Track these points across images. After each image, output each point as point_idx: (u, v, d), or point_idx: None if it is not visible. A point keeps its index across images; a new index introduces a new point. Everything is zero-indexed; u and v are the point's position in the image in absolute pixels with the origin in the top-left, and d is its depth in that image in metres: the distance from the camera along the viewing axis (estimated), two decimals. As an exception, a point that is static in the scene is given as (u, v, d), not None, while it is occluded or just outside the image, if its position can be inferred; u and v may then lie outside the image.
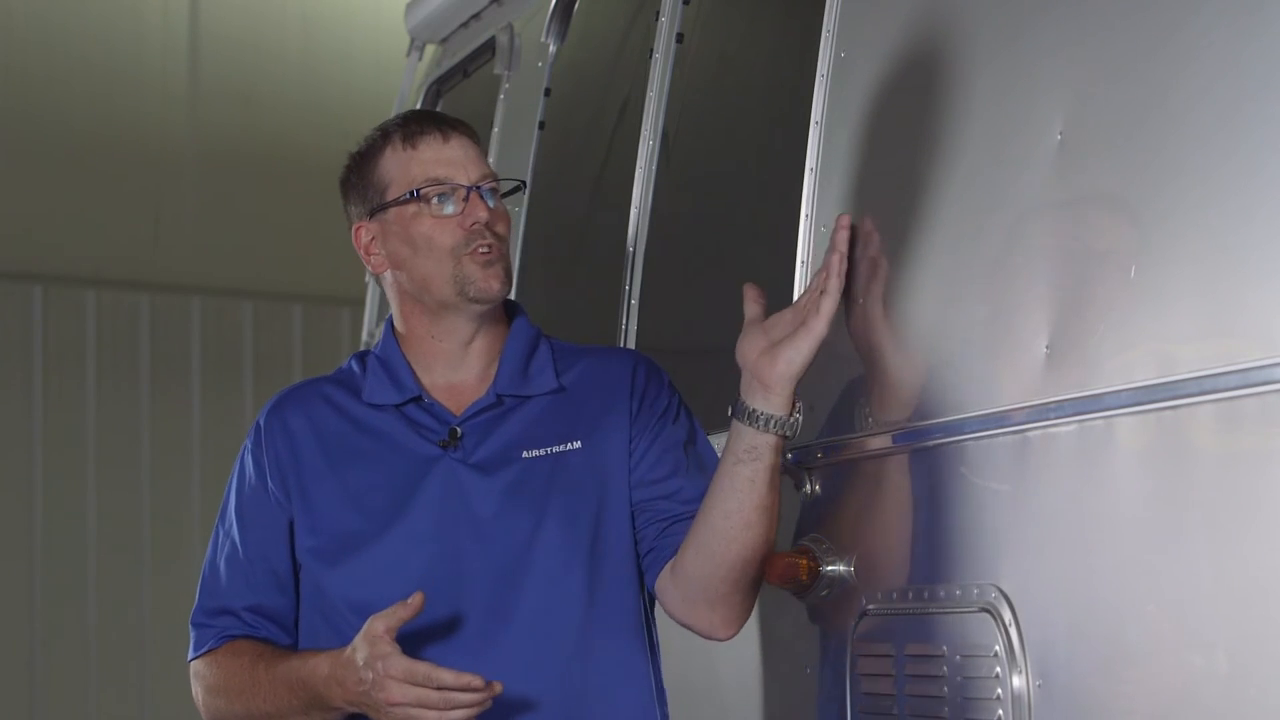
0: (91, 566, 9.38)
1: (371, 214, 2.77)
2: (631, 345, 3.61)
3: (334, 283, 9.40)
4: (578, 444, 2.72)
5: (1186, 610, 2.15)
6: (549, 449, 2.72)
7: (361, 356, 2.85)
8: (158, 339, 9.69)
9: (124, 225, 9.57)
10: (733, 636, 2.78)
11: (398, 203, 2.74)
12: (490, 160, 4.50)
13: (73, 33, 9.47)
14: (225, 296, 9.81)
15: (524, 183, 2.88)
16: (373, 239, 2.78)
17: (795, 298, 2.97)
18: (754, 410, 2.60)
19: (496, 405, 2.75)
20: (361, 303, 5.45)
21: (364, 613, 2.63)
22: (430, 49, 5.37)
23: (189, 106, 9.74)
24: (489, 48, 4.76)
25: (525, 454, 2.72)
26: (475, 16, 4.98)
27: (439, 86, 5.16)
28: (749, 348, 2.63)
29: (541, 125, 4.33)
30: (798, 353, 2.60)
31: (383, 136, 2.78)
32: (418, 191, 2.72)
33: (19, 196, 9.32)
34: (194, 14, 9.76)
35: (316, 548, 2.75)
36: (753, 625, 3.08)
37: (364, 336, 5.39)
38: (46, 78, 9.40)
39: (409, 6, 5.35)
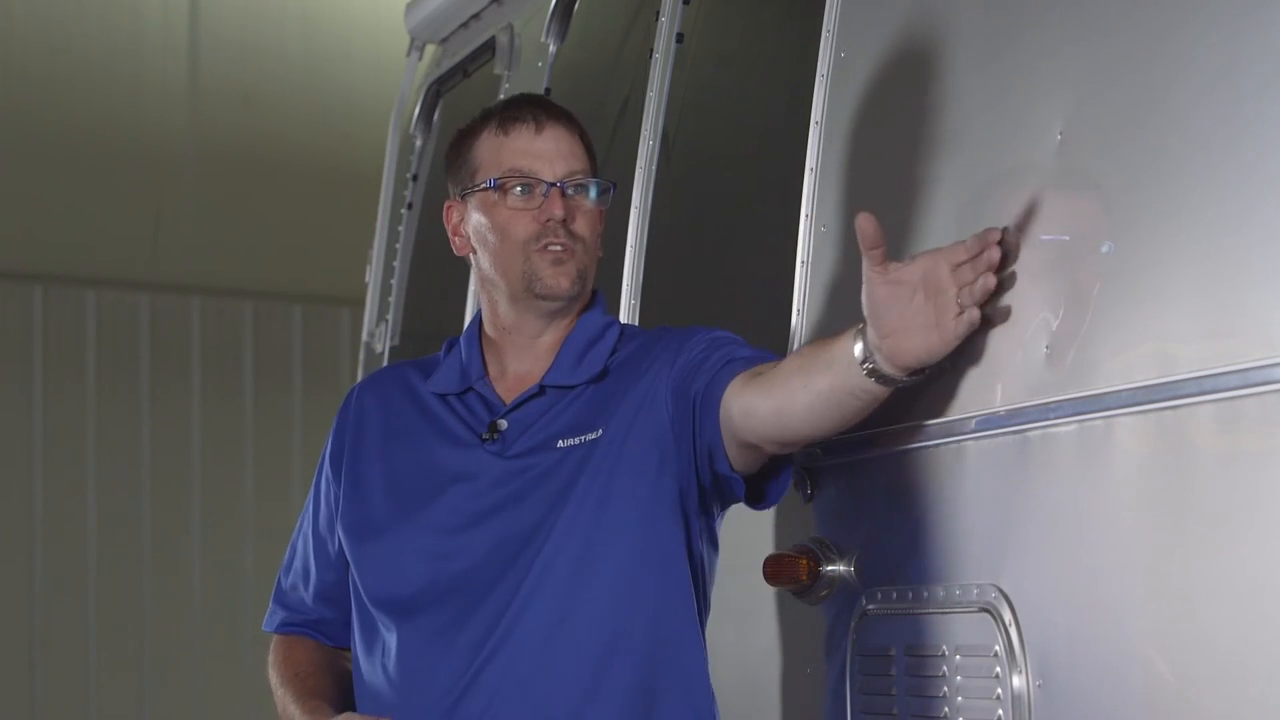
0: (91, 566, 9.38)
1: (462, 195, 2.78)
2: (631, 345, 3.60)
3: (334, 283, 9.41)
4: (600, 431, 2.67)
5: (1186, 610, 2.15)
6: (583, 438, 2.68)
7: (453, 342, 2.86)
8: (158, 339, 9.69)
9: (124, 225, 9.57)
10: None
11: (481, 188, 2.74)
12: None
13: (73, 33, 9.47)
14: (225, 296, 9.81)
15: (614, 184, 2.84)
16: (461, 220, 2.79)
17: (795, 301, 2.97)
18: (890, 375, 2.37)
19: (540, 395, 2.73)
20: (361, 303, 5.44)
21: (382, 603, 2.69)
22: (430, 49, 5.37)
23: (189, 106, 9.74)
24: (489, 48, 4.76)
25: (561, 443, 2.68)
26: (475, 16, 4.99)
27: (439, 86, 5.16)
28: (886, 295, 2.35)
29: (542, 125, 4.32)
30: (929, 354, 2.36)
31: (483, 119, 2.79)
32: (496, 181, 2.72)
33: (19, 196, 9.32)
34: (194, 14, 9.76)
35: (347, 527, 2.78)
36: (753, 625, 3.08)
37: (364, 337, 5.39)
38: (46, 78, 9.40)
39: (409, 6, 5.35)
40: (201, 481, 9.56)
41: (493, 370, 2.78)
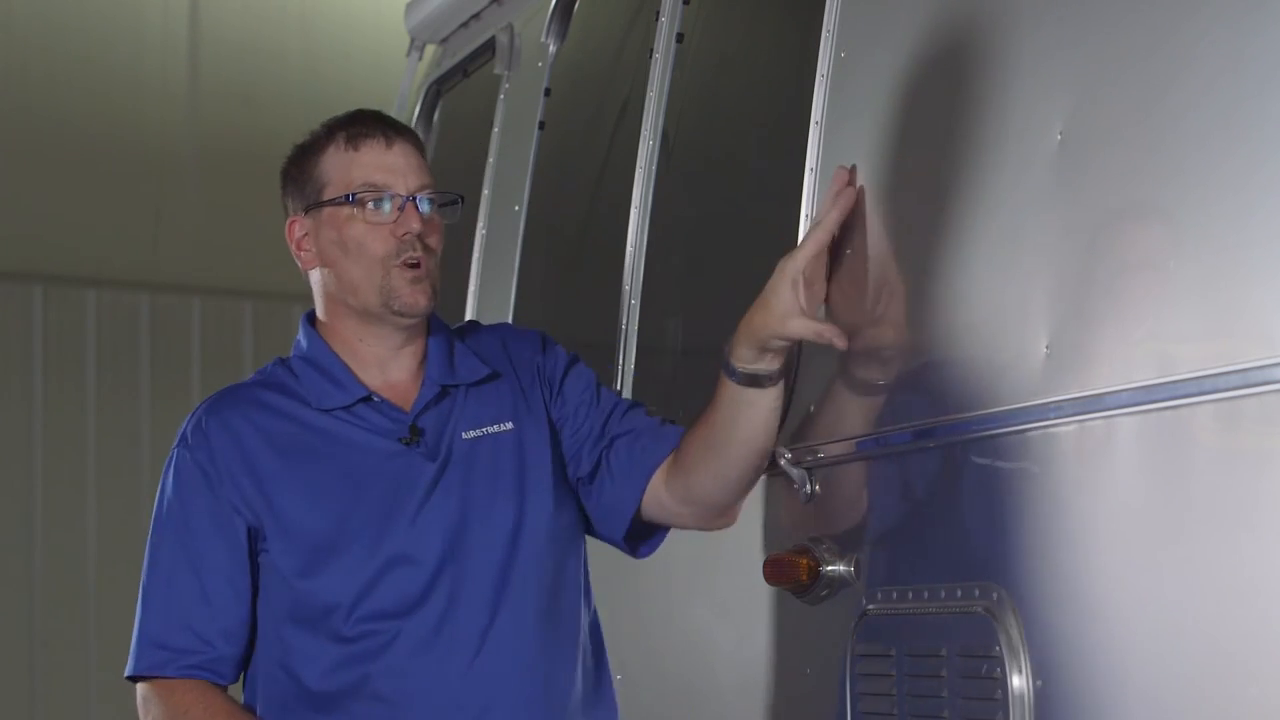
0: (91, 567, 9.38)
1: (307, 210, 2.77)
2: (632, 345, 3.61)
3: (334, 283, 9.40)
4: (509, 425, 2.78)
5: (1186, 610, 2.15)
6: (489, 429, 2.77)
7: (282, 360, 2.83)
8: (158, 339, 9.69)
9: (124, 225, 9.57)
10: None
11: (333, 203, 2.74)
12: (489, 161, 4.51)
13: (73, 33, 9.47)
14: (225, 296, 9.81)
15: (462, 196, 2.87)
16: (305, 235, 2.78)
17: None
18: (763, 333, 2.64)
19: (441, 396, 2.77)
20: (361, 303, 5.43)
21: (354, 615, 2.67)
22: (430, 49, 5.37)
23: (189, 106, 9.74)
24: (489, 48, 4.76)
25: (472, 438, 2.76)
26: (475, 16, 4.98)
27: (439, 86, 5.16)
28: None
29: (541, 125, 4.33)
30: (798, 250, 2.65)
31: (327, 133, 2.78)
32: (353, 195, 2.72)
33: (19, 196, 9.32)
34: (194, 14, 9.76)
35: (291, 555, 2.71)
36: (753, 625, 3.08)
37: (364, 336, 5.38)
38: (46, 78, 9.40)
39: (409, 6, 5.35)
40: (201, 481, 9.56)
41: (368, 381, 2.78)
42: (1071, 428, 2.34)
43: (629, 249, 3.66)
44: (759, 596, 3.03)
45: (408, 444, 2.72)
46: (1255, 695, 2.05)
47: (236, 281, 9.81)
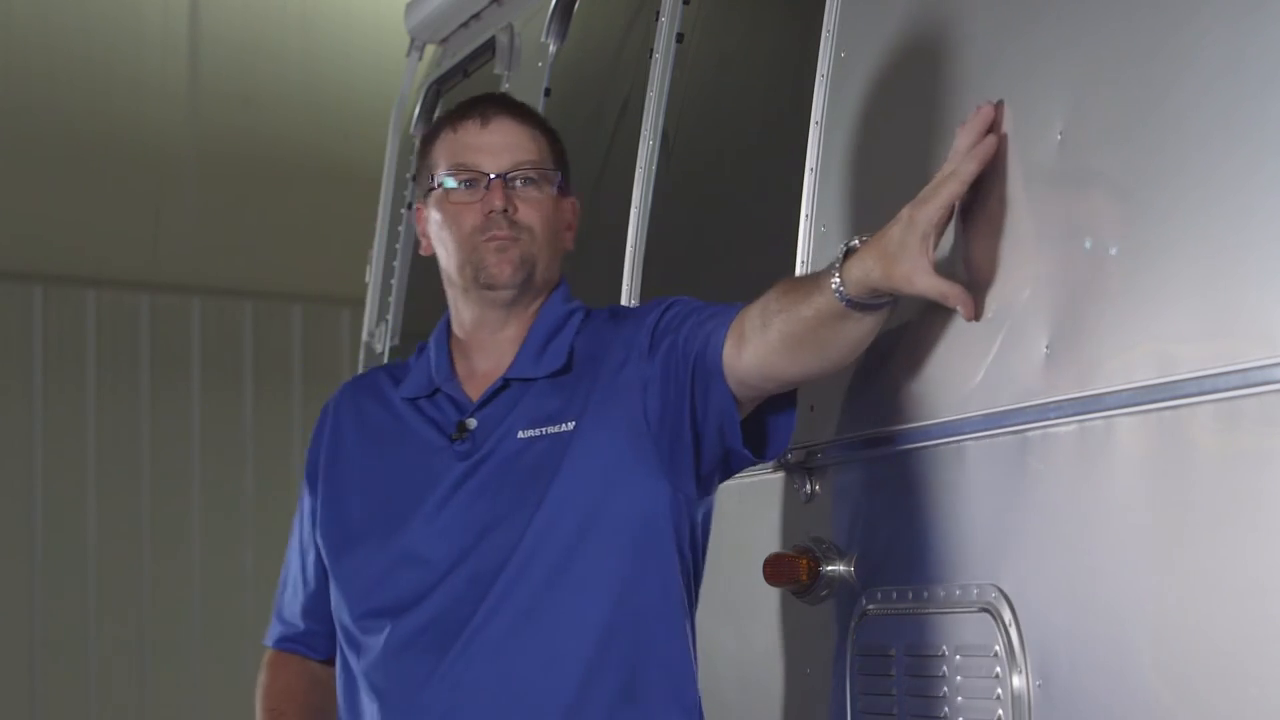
0: (91, 567, 9.37)
1: (425, 196, 2.82)
2: (631, 345, 3.60)
3: (334, 283, 9.41)
4: (573, 424, 2.66)
5: (1186, 610, 2.15)
6: (548, 429, 2.67)
7: (424, 345, 2.87)
8: (158, 339, 9.69)
9: (124, 225, 9.57)
10: None
11: (435, 186, 2.78)
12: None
13: (73, 32, 9.47)
14: (225, 296, 9.81)
15: (559, 172, 2.83)
16: (426, 220, 2.83)
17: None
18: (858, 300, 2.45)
19: (505, 389, 2.73)
20: (361, 303, 5.44)
21: (364, 615, 2.68)
22: (430, 49, 5.37)
23: (189, 107, 9.74)
24: (489, 48, 4.76)
25: (522, 434, 2.68)
26: (475, 16, 4.99)
27: (439, 86, 5.16)
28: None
29: (541, 125, 4.32)
30: (928, 201, 2.41)
31: (442, 120, 2.84)
32: (434, 177, 2.77)
33: (19, 196, 9.32)
34: (194, 14, 9.76)
35: (325, 539, 2.79)
36: (753, 625, 3.08)
37: (364, 336, 5.39)
38: (46, 78, 9.40)
39: (409, 6, 5.35)
40: (201, 481, 9.56)
41: (462, 371, 2.78)
42: (1071, 428, 2.34)
43: (629, 249, 3.66)
44: (759, 596, 3.03)
45: (454, 440, 2.72)
46: (1255, 695, 2.05)
47: (236, 281, 9.81)
